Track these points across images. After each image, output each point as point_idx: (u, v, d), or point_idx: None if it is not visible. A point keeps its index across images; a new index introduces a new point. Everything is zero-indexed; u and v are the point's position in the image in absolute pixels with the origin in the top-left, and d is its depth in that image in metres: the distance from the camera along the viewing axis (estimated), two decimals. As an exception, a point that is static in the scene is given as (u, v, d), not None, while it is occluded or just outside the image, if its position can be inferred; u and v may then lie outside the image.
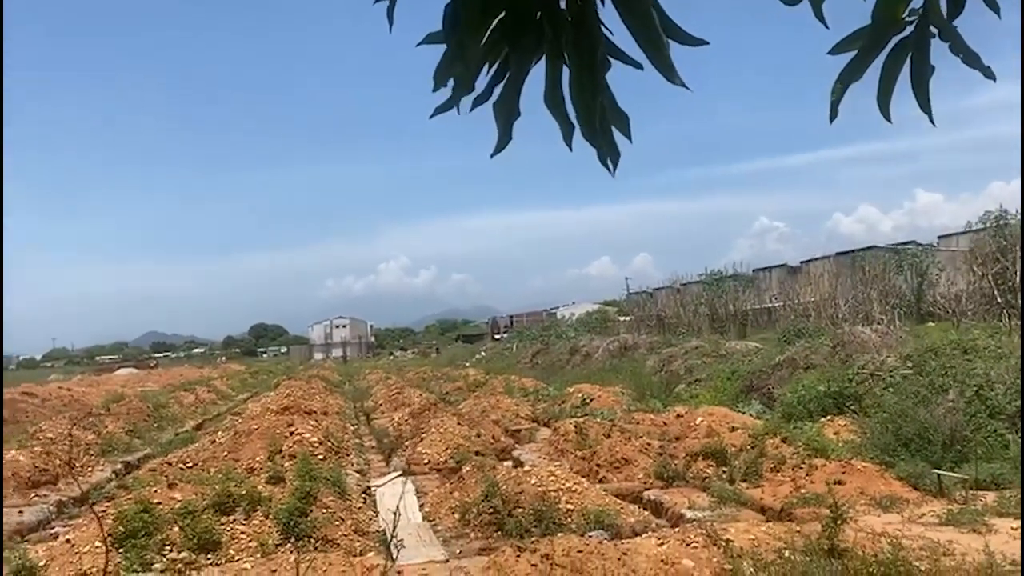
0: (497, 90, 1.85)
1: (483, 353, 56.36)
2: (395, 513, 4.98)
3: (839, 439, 11.93)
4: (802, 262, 42.98)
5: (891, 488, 9.52)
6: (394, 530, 6.12)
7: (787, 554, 6.66)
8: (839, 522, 6.75)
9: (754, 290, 43.39)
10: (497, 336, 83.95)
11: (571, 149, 1.86)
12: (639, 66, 1.77)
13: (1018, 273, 26.43)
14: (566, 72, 1.82)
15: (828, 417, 13.68)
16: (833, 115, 2.06)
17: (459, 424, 15.67)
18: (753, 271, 46.00)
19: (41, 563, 7.41)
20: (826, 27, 1.93)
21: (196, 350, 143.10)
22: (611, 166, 1.84)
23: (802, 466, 10.27)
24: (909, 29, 1.96)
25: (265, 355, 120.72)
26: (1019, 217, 27.86)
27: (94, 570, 7.33)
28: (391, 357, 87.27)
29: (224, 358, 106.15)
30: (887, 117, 2.06)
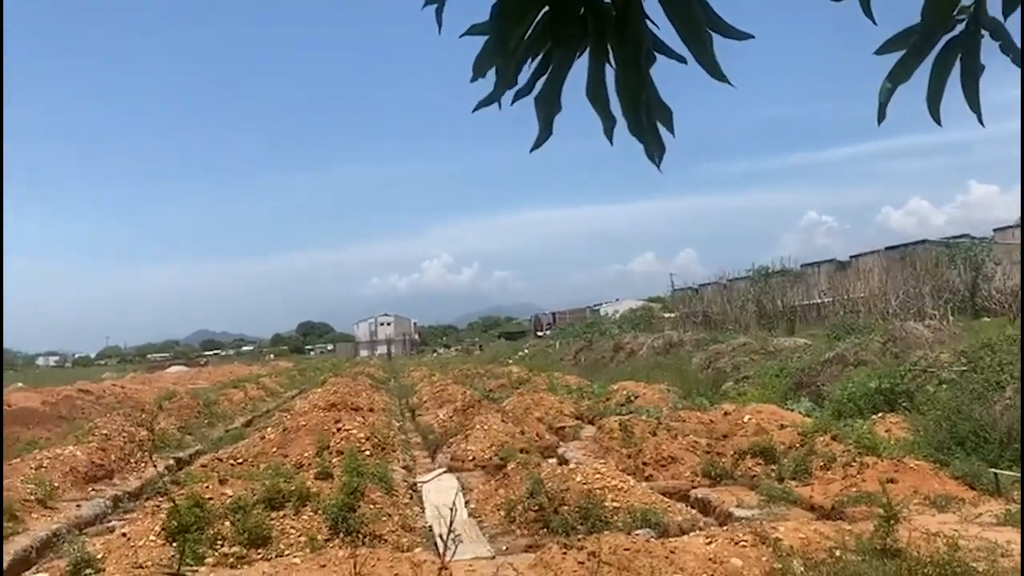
0: (539, 84, 1.84)
1: (526, 350, 56.38)
2: (452, 509, 5.00)
3: (891, 437, 11.67)
4: (851, 257, 42.34)
5: (946, 487, 9.29)
6: (451, 524, 6.13)
7: (839, 553, 6.55)
8: (892, 521, 6.62)
9: (802, 285, 42.76)
10: (540, 333, 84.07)
11: (612, 143, 1.85)
12: (683, 60, 1.74)
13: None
14: (608, 66, 1.80)
15: (879, 414, 13.40)
16: (881, 117, 2.01)
17: (503, 421, 15.69)
18: (801, 266, 45.40)
19: (99, 556, 7.65)
20: (874, 23, 1.89)
21: (245, 348, 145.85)
22: (657, 161, 1.82)
23: (853, 464, 10.06)
24: (959, 28, 1.91)
25: (312, 352, 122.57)
26: None
27: (149, 563, 7.52)
28: (435, 354, 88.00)
29: (272, 356, 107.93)
30: (937, 120, 2.00)
